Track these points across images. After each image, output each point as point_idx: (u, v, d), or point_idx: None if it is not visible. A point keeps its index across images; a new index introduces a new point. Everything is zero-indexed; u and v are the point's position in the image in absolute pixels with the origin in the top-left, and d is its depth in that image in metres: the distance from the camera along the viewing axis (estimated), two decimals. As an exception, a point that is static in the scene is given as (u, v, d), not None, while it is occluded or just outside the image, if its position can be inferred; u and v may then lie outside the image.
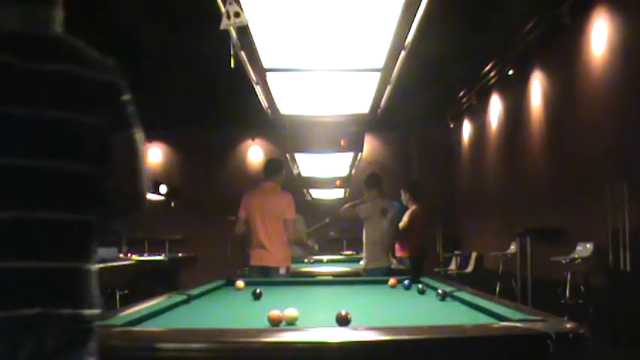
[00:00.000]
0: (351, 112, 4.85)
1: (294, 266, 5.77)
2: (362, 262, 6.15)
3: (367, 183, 6.03)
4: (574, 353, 1.73)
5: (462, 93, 10.76)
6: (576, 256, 6.12)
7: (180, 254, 9.89)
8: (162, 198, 10.08)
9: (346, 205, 6.19)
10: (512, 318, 2.07)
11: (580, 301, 5.98)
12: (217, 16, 2.58)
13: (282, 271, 5.14)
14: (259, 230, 5.13)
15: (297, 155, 6.72)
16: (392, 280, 3.81)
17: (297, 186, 9.05)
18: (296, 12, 2.82)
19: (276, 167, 5.40)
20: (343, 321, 2.11)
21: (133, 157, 1.47)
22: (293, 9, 2.80)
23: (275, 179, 5.29)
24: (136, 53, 8.00)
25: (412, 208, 6.61)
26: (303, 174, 8.13)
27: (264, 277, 4.75)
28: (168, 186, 10.41)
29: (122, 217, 1.58)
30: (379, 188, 5.98)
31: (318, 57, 3.47)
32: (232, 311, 2.87)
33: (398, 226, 6.16)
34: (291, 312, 2.22)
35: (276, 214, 5.15)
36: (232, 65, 3.24)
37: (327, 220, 8.22)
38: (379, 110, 4.58)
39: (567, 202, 6.77)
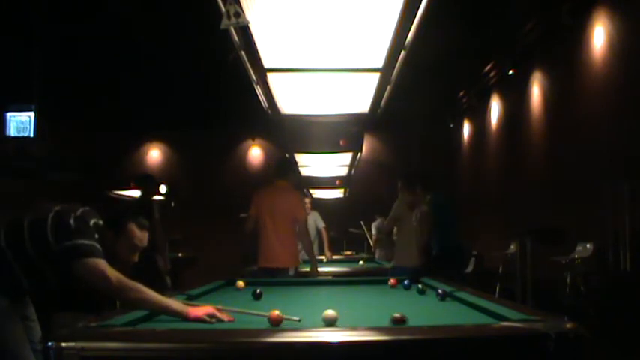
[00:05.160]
0: (351, 112, 4.85)
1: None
2: (362, 262, 6.14)
3: (404, 185, 5.98)
4: (574, 353, 1.73)
5: (461, 93, 10.76)
6: (576, 256, 6.11)
7: (180, 254, 9.87)
8: (162, 198, 10.06)
9: (386, 222, 6.08)
10: (512, 318, 2.06)
11: (580, 301, 5.97)
12: (217, 16, 2.57)
13: (290, 271, 5.12)
14: (269, 230, 5.08)
15: (297, 155, 6.72)
16: (392, 280, 3.81)
17: (297, 186, 9.05)
18: (296, 12, 2.82)
19: (288, 166, 5.40)
20: (400, 321, 2.07)
21: None
22: (293, 9, 2.80)
23: (286, 178, 5.28)
24: (136, 53, 8.00)
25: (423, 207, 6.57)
26: (303, 174, 8.13)
27: (272, 278, 4.70)
28: (168, 186, 10.39)
29: None
30: (413, 188, 5.91)
31: (318, 57, 3.47)
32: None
33: (429, 223, 6.05)
34: (330, 313, 2.14)
35: (285, 214, 5.12)
36: (230, 58, 3.26)
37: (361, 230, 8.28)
38: (379, 110, 4.57)
39: (567, 202, 6.77)
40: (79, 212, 2.53)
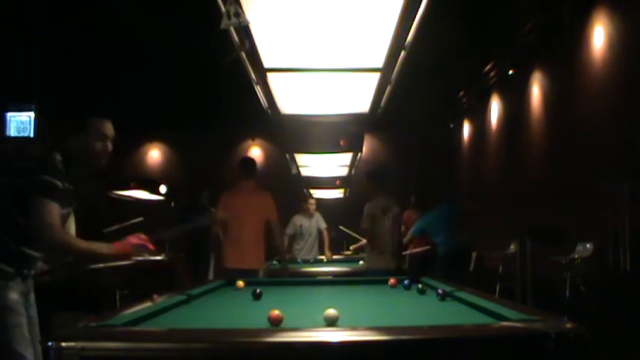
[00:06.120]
0: (351, 112, 4.85)
1: (292, 266, 5.75)
2: (362, 262, 6.11)
3: (370, 179, 5.84)
4: (574, 353, 1.73)
5: (461, 93, 10.76)
6: (576, 256, 6.12)
7: (180, 254, 9.84)
8: (162, 198, 10.06)
9: (363, 224, 5.91)
10: (512, 318, 2.06)
11: (580, 301, 5.97)
12: (217, 16, 2.58)
13: (261, 273, 5.07)
14: (242, 230, 4.99)
15: (297, 155, 6.71)
16: (392, 280, 3.81)
17: (298, 186, 9.05)
18: (296, 12, 2.82)
19: (252, 165, 5.32)
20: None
21: None
22: (293, 9, 2.80)
23: (252, 177, 5.21)
24: (136, 53, 8.00)
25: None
26: (303, 174, 8.13)
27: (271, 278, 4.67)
28: (168, 186, 10.39)
29: None
30: (381, 185, 5.82)
31: (318, 57, 3.47)
32: (232, 311, 2.86)
33: (400, 225, 6.06)
34: (331, 312, 2.12)
35: (257, 215, 5.06)
36: (228, 59, 3.27)
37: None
38: (379, 110, 4.57)
39: (567, 202, 6.77)
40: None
